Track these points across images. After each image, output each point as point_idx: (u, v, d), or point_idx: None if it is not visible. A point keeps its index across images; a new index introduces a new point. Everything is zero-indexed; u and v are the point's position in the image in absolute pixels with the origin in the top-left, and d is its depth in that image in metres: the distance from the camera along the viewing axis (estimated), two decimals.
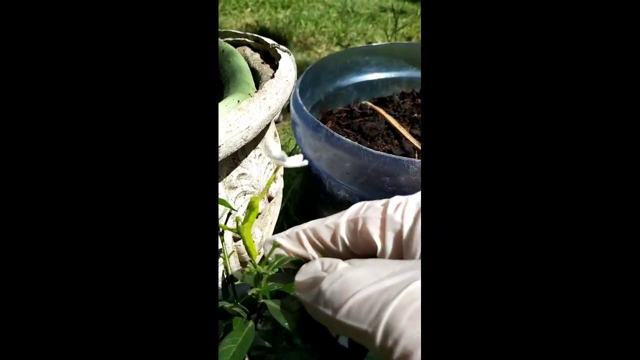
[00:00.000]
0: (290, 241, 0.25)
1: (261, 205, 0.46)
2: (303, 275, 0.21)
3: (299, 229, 0.25)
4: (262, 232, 0.48)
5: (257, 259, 0.28)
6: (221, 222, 0.40)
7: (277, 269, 0.26)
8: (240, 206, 0.41)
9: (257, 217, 0.47)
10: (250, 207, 0.25)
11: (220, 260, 0.44)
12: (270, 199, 0.49)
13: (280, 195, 0.51)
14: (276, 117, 0.65)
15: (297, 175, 0.74)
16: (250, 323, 0.25)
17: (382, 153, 0.42)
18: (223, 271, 0.34)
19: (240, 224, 0.26)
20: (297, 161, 0.25)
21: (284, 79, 0.39)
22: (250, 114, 0.33)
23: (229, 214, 0.40)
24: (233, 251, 0.43)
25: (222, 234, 0.35)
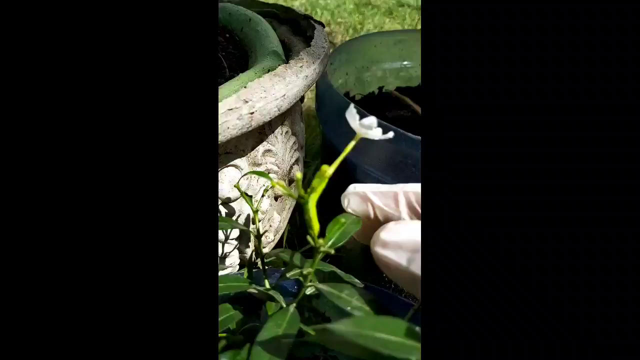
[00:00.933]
0: (384, 199, 0.22)
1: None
2: (396, 234, 0.19)
3: (397, 188, 0.22)
4: (280, 216, 0.44)
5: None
6: (257, 197, 0.37)
7: (341, 244, 0.23)
8: (263, 185, 0.37)
9: (276, 201, 0.44)
10: (321, 176, 0.22)
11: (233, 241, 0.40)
12: (291, 182, 0.46)
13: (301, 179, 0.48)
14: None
15: (313, 162, 0.70)
16: (292, 308, 0.22)
17: (420, 137, 0.38)
18: (252, 252, 0.31)
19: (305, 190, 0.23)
20: (381, 133, 0.23)
21: (321, 48, 0.35)
22: (287, 81, 0.30)
23: (266, 189, 0.37)
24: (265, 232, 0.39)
25: (256, 211, 0.32)
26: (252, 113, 0.27)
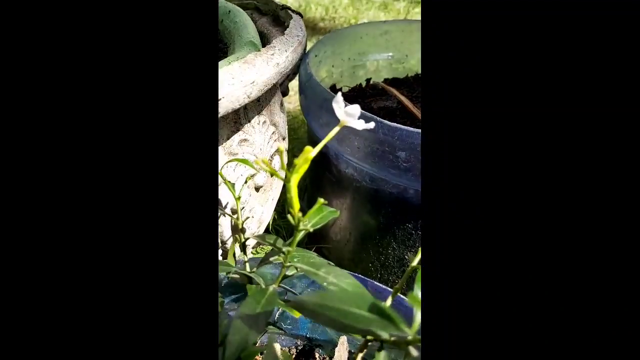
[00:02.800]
0: None
1: (263, 178, 0.42)
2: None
3: None
4: (262, 207, 0.44)
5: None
6: (238, 186, 0.37)
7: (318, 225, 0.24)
8: (241, 175, 0.38)
9: (257, 192, 0.44)
10: (304, 157, 0.23)
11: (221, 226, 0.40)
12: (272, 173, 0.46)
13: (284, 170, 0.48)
14: (283, 87, 0.61)
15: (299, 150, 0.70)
16: (271, 288, 0.22)
17: (399, 125, 0.38)
18: (234, 239, 0.31)
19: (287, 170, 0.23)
20: (363, 123, 0.24)
21: (295, 37, 0.35)
22: (256, 68, 0.30)
23: (248, 177, 0.37)
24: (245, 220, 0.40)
25: (238, 198, 0.32)
26: (219, 99, 0.27)
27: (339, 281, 0.24)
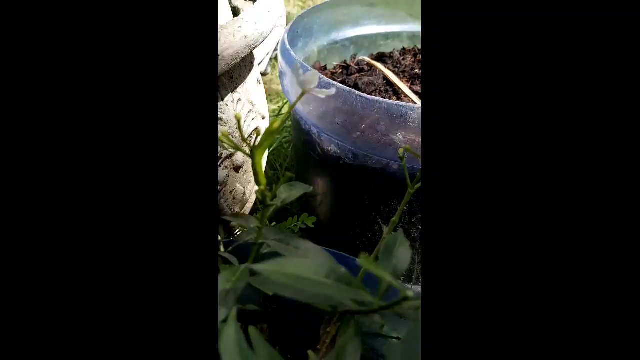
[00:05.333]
0: None
1: (241, 158, 0.42)
2: None
3: None
4: (244, 188, 0.44)
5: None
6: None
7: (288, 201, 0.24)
8: (221, 156, 0.37)
9: (238, 172, 0.43)
10: (270, 131, 0.22)
11: None
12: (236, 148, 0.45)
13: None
14: (262, 67, 0.60)
15: (284, 129, 0.70)
16: (243, 267, 0.22)
17: (377, 98, 0.37)
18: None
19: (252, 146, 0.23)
20: (325, 90, 0.24)
21: (265, 8, 0.34)
22: (221, 41, 0.29)
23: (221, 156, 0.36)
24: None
25: (223, 184, 0.32)
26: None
27: (307, 253, 0.24)
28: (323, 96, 0.24)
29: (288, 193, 0.27)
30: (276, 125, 0.24)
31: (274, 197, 0.25)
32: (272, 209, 0.26)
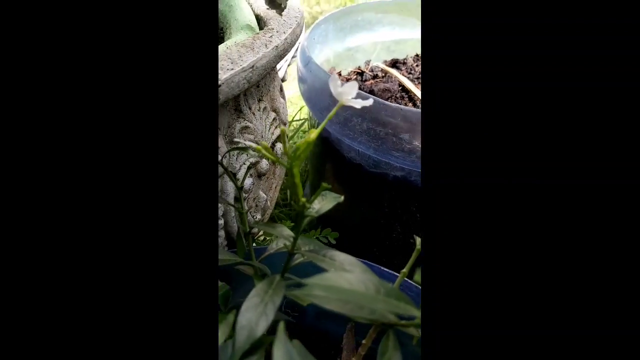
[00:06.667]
0: None
1: (265, 166, 0.42)
2: None
3: None
4: (266, 195, 0.44)
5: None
6: (239, 175, 0.37)
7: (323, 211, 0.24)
8: (244, 164, 0.37)
9: (261, 179, 0.43)
10: (306, 141, 0.22)
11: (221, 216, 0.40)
12: (275, 161, 0.45)
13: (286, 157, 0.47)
14: (281, 72, 0.60)
15: (296, 134, 0.70)
16: (278, 277, 0.22)
17: (402, 106, 0.37)
18: (239, 227, 0.31)
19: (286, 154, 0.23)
20: (361, 101, 0.23)
21: (293, 18, 0.34)
22: (255, 51, 0.29)
23: (249, 166, 0.36)
24: (247, 210, 0.39)
25: (241, 187, 0.32)
26: (218, 86, 0.27)
27: (345, 265, 0.24)
28: (359, 107, 0.24)
29: (321, 204, 0.27)
30: (313, 136, 0.24)
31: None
32: (308, 220, 0.26)
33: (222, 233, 0.41)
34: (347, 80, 0.60)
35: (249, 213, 0.43)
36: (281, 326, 0.19)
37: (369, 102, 0.25)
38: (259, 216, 0.45)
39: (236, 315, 0.23)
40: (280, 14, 0.37)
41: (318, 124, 0.48)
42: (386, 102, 0.37)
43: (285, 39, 0.32)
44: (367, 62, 0.64)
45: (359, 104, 0.24)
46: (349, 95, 0.23)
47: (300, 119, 0.75)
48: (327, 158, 0.50)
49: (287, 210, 0.59)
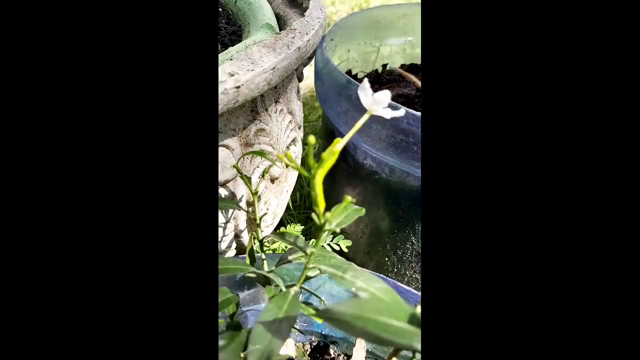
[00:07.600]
0: None
1: (277, 170, 0.40)
2: None
3: None
4: (277, 199, 0.42)
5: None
6: (254, 178, 0.36)
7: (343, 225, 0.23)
8: (257, 167, 0.36)
9: (273, 183, 0.42)
10: (331, 151, 0.21)
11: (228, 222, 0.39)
12: (297, 169, 0.44)
13: (299, 161, 0.46)
14: (298, 72, 0.59)
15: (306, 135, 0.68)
16: (293, 291, 0.21)
17: None
18: (251, 235, 0.30)
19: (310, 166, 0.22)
20: (392, 111, 0.22)
21: (316, 19, 0.33)
22: (276, 52, 0.28)
23: (265, 171, 0.35)
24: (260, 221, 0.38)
25: (255, 193, 0.30)
26: (238, 87, 0.25)
27: (368, 286, 0.23)
28: (389, 117, 0.23)
29: (343, 216, 0.26)
30: (339, 147, 0.23)
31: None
32: (327, 234, 0.25)
33: (231, 236, 0.40)
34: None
35: (259, 217, 0.42)
36: (300, 351, 0.18)
37: (401, 112, 0.24)
38: (269, 220, 0.43)
39: (250, 331, 0.22)
40: (302, 14, 0.35)
41: (331, 124, 0.46)
42: (410, 109, 0.36)
43: (308, 40, 0.30)
44: (384, 66, 0.63)
45: (389, 114, 0.23)
46: (380, 105, 0.22)
47: (308, 122, 0.74)
48: (340, 162, 0.49)
49: (297, 212, 0.58)
